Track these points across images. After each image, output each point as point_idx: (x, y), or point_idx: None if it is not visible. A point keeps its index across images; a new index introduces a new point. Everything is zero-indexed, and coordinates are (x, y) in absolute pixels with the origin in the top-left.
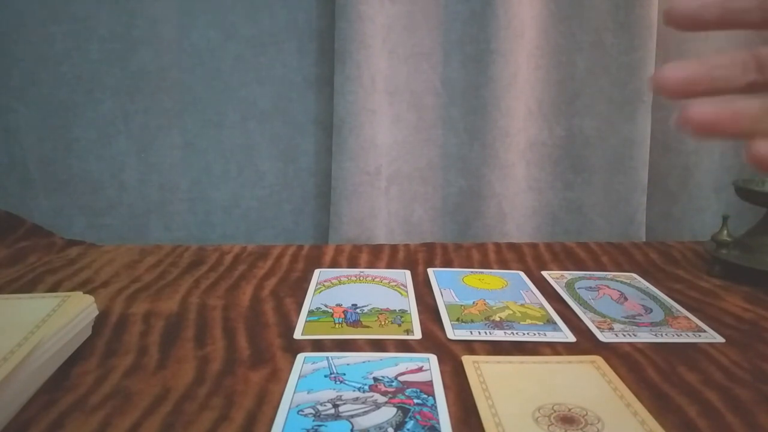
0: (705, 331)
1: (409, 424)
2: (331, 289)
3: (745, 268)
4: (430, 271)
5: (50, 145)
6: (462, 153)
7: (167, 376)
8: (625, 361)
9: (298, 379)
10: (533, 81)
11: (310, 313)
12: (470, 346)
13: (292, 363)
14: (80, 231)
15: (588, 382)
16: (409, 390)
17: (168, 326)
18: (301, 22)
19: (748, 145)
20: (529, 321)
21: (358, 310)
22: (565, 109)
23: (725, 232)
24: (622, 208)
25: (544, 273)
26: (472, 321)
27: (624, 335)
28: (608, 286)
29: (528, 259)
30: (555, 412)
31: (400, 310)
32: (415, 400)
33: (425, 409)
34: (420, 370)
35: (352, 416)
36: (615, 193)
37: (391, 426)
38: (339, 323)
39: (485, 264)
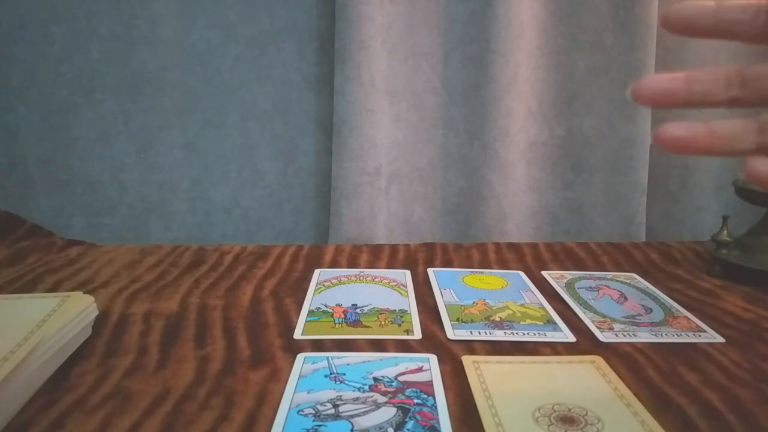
0: (705, 331)
1: (409, 424)
2: (331, 289)
3: (745, 268)
4: (430, 271)
5: (50, 145)
6: (462, 153)
7: (167, 376)
8: (625, 361)
9: (298, 379)
10: (533, 81)
11: (310, 313)
12: (470, 346)
13: (292, 363)
14: (80, 231)
15: (588, 382)
16: (409, 390)
17: (168, 326)
18: (301, 22)
19: (745, 162)
20: (529, 321)
21: (358, 310)
22: (565, 109)
23: (725, 232)
24: (622, 208)
25: (544, 273)
26: (472, 321)
27: (624, 335)
28: (608, 286)
29: (528, 259)
30: (555, 412)
31: (400, 310)
32: (415, 400)
33: (425, 409)
34: (420, 370)
35: (352, 416)
36: (615, 193)
37: (391, 426)
38: (339, 323)
39: (485, 264)
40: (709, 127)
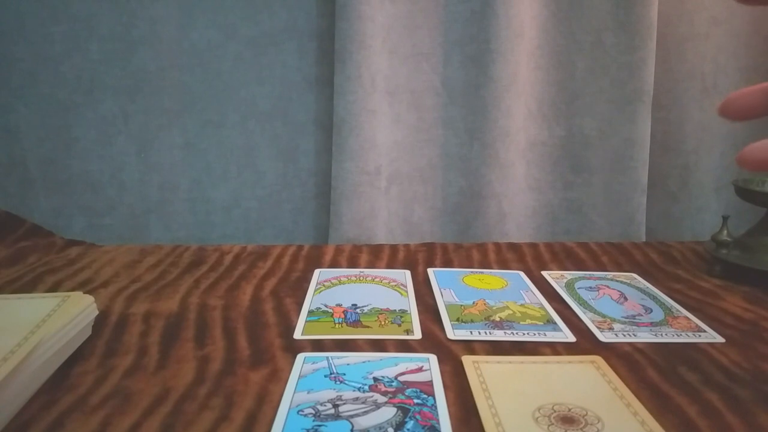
0: (705, 331)
1: (409, 424)
2: (331, 289)
3: (745, 268)
4: (430, 271)
5: (50, 145)
6: (462, 153)
7: (167, 376)
8: (625, 361)
9: (298, 379)
10: (533, 81)
11: (310, 313)
12: (470, 346)
13: (292, 363)
14: (80, 231)
15: (588, 382)
16: (409, 390)
17: (168, 326)
18: (301, 22)
19: None
20: (529, 321)
21: (358, 310)
22: (565, 109)
23: (725, 232)
24: (622, 208)
25: (544, 273)
26: (472, 321)
27: (624, 335)
28: (608, 286)
29: (528, 259)
30: (555, 412)
31: (400, 310)
32: (415, 400)
33: (425, 409)
34: (420, 370)
35: (352, 416)
36: (615, 193)
37: (391, 426)
38: (339, 323)
39: (485, 264)
40: None
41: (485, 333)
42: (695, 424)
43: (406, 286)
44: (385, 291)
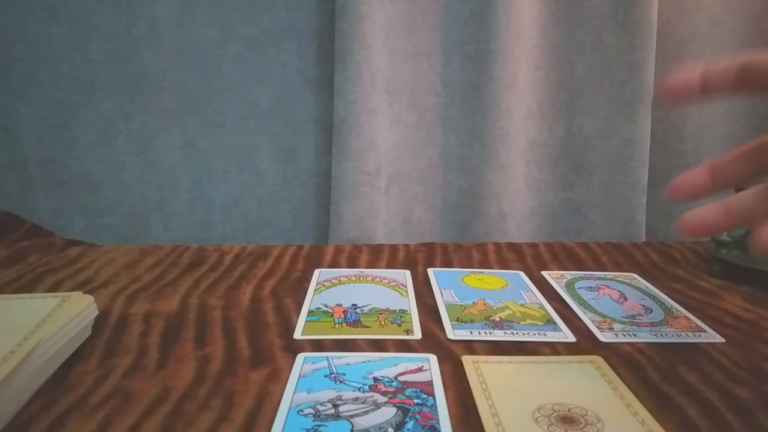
0: (705, 331)
1: (409, 424)
2: (331, 289)
3: (745, 268)
4: (430, 271)
5: (50, 145)
6: (462, 153)
7: (167, 376)
8: (625, 361)
9: (298, 379)
10: (533, 81)
11: (310, 313)
12: (470, 346)
13: (292, 363)
14: (80, 231)
15: (588, 382)
16: (409, 390)
17: (168, 326)
18: (301, 22)
19: (752, 233)
20: (529, 321)
21: (358, 310)
22: (565, 109)
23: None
24: (622, 208)
25: (544, 273)
26: (472, 321)
27: (624, 335)
28: (608, 286)
29: (528, 259)
30: (555, 412)
31: (400, 310)
32: (415, 400)
33: (425, 409)
34: (420, 370)
35: (352, 416)
36: (615, 193)
37: (391, 426)
38: (339, 323)
39: (485, 264)
40: (724, 207)
41: (485, 333)
42: (695, 424)
43: (406, 286)
44: (385, 291)
